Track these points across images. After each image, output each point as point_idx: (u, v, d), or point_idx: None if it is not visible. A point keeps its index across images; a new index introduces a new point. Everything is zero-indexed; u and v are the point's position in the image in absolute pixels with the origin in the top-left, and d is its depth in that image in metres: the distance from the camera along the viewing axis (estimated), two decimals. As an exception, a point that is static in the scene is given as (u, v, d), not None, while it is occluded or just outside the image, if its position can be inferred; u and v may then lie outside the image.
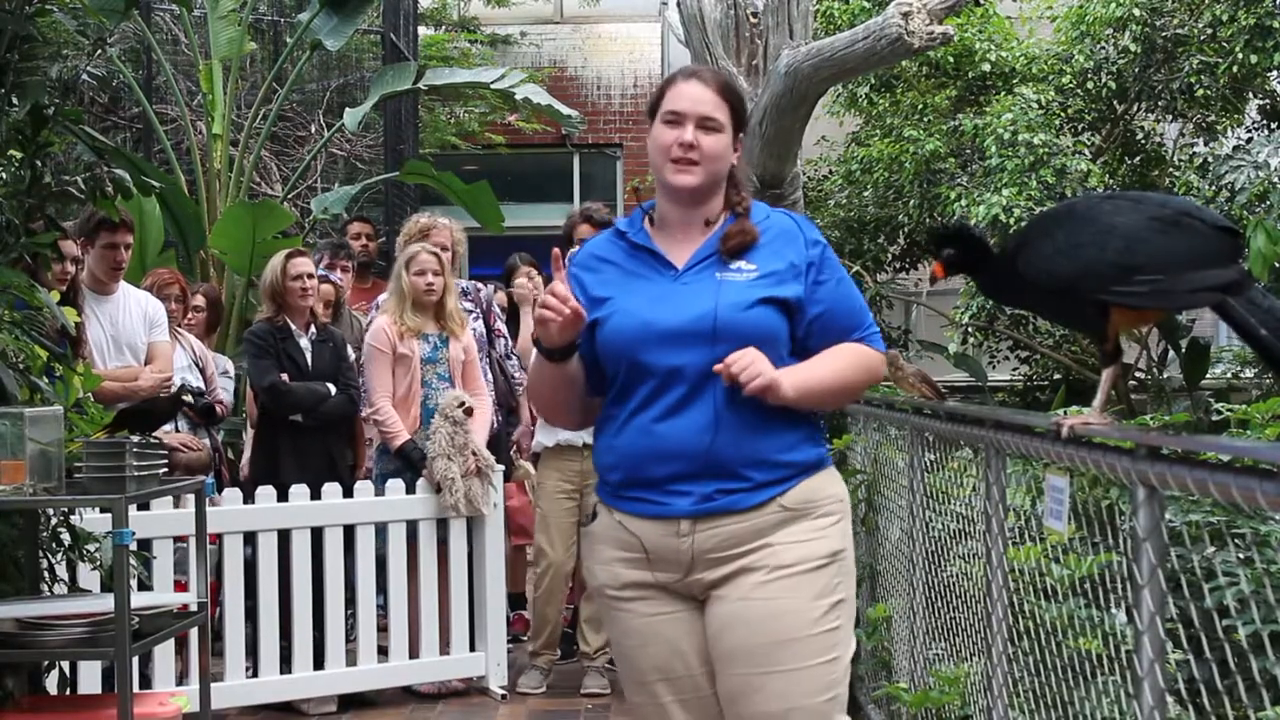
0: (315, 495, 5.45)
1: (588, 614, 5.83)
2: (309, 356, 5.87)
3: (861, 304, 2.87)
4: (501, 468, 5.98)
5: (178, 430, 5.85)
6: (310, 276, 5.91)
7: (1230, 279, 2.50)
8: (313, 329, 5.94)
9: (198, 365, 6.13)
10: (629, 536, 2.76)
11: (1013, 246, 2.76)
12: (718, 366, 2.64)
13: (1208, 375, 9.49)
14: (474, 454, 5.69)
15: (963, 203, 8.62)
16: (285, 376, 5.77)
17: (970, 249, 2.85)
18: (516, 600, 6.70)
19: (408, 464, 5.72)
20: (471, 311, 6.36)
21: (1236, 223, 7.51)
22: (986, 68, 9.56)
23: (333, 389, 5.86)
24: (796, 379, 2.69)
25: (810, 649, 2.66)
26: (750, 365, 2.63)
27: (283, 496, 5.40)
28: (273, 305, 5.86)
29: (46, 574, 3.82)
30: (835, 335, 2.79)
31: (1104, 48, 9.48)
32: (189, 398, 5.58)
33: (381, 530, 5.62)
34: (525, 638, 6.73)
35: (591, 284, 2.84)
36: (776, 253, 2.78)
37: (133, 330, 5.64)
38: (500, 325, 6.57)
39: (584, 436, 5.80)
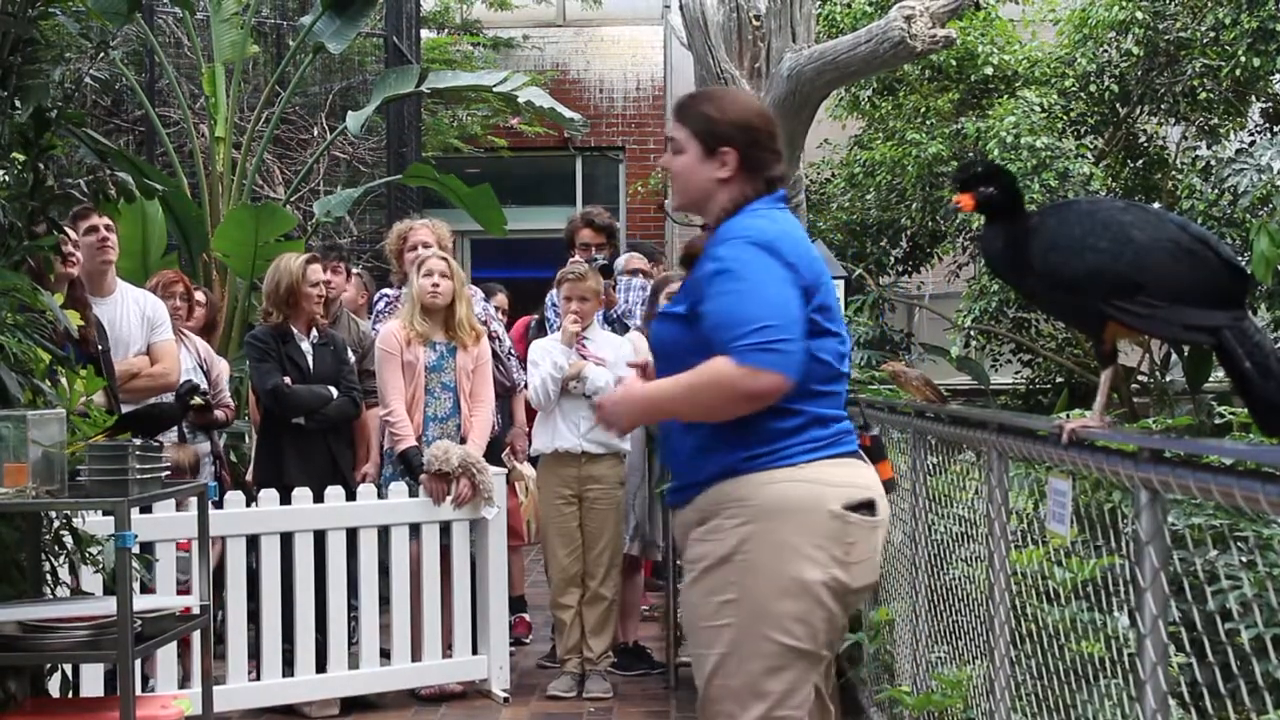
0: (318, 498, 5.45)
1: (592, 620, 5.83)
2: (310, 359, 5.87)
3: (744, 316, 2.75)
4: (504, 471, 5.98)
5: (182, 434, 5.85)
6: (327, 283, 5.96)
7: (1225, 323, 2.49)
8: (314, 332, 5.94)
9: (202, 368, 6.13)
10: None
11: (1031, 224, 2.73)
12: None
13: (1210, 378, 9.47)
14: (471, 472, 5.66)
15: (965, 205, 8.60)
16: (288, 380, 5.77)
17: (1009, 196, 2.79)
18: (516, 603, 6.70)
19: (408, 469, 5.72)
20: None
21: (1243, 229, 7.52)
22: (989, 71, 9.57)
23: (335, 392, 5.86)
24: (631, 406, 2.97)
25: (701, 639, 2.89)
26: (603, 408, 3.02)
27: (285, 499, 5.40)
28: (278, 308, 5.85)
29: (49, 577, 3.82)
30: (716, 348, 2.78)
31: (1106, 51, 9.48)
32: (198, 399, 5.57)
33: (384, 533, 5.62)
34: (527, 640, 6.74)
35: None
36: (699, 264, 2.93)
37: (130, 332, 5.62)
38: (497, 328, 6.57)
39: (582, 444, 5.81)
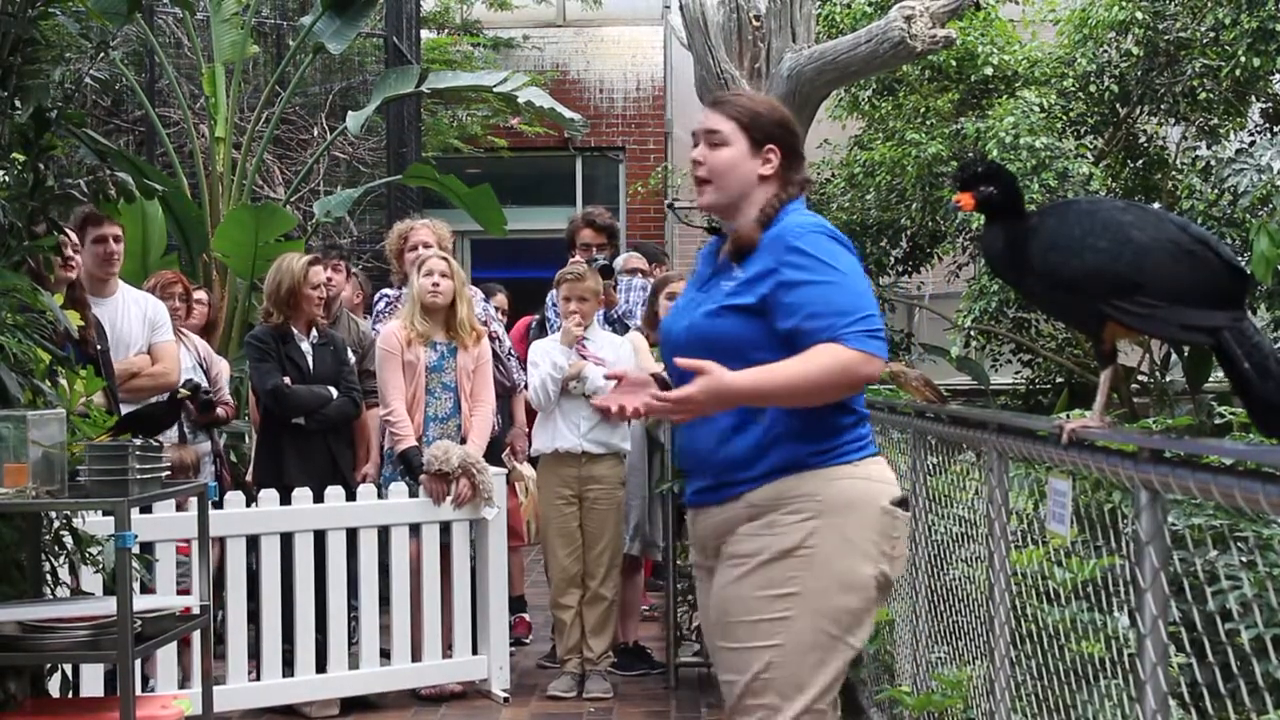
0: (318, 498, 5.45)
1: (592, 620, 5.83)
2: (310, 360, 5.88)
3: (847, 305, 2.82)
4: (504, 471, 5.98)
5: (183, 433, 5.86)
6: (328, 283, 5.97)
7: (1224, 324, 2.49)
8: (314, 332, 5.94)
9: (202, 367, 6.14)
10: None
11: (1031, 223, 2.73)
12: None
13: (1210, 378, 9.47)
14: (471, 472, 5.66)
15: (965, 206, 8.60)
16: (288, 380, 5.77)
17: (1008, 195, 2.80)
18: (516, 603, 6.70)
19: (408, 469, 5.72)
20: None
21: (1243, 229, 7.52)
22: (989, 71, 9.56)
23: (335, 392, 5.86)
24: (738, 382, 2.77)
25: (752, 632, 2.85)
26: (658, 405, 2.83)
27: (286, 500, 5.40)
28: (278, 309, 5.85)
29: (49, 577, 3.82)
30: (810, 338, 2.81)
31: (1106, 51, 9.48)
32: (184, 392, 5.57)
33: (384, 533, 5.62)
34: (527, 641, 6.74)
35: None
36: (759, 258, 2.88)
37: (131, 332, 5.64)
38: (497, 328, 6.57)
39: (582, 444, 5.81)
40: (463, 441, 5.79)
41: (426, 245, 6.14)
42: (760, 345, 2.84)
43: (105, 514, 3.88)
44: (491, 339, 6.41)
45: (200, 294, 6.74)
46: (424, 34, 12.14)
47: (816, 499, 2.86)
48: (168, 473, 3.81)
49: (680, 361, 2.82)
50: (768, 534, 2.86)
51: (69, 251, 4.82)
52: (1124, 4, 9.03)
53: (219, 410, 6.09)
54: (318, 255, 6.14)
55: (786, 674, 2.83)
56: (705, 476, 2.98)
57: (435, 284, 5.79)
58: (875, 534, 2.88)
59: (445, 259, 5.89)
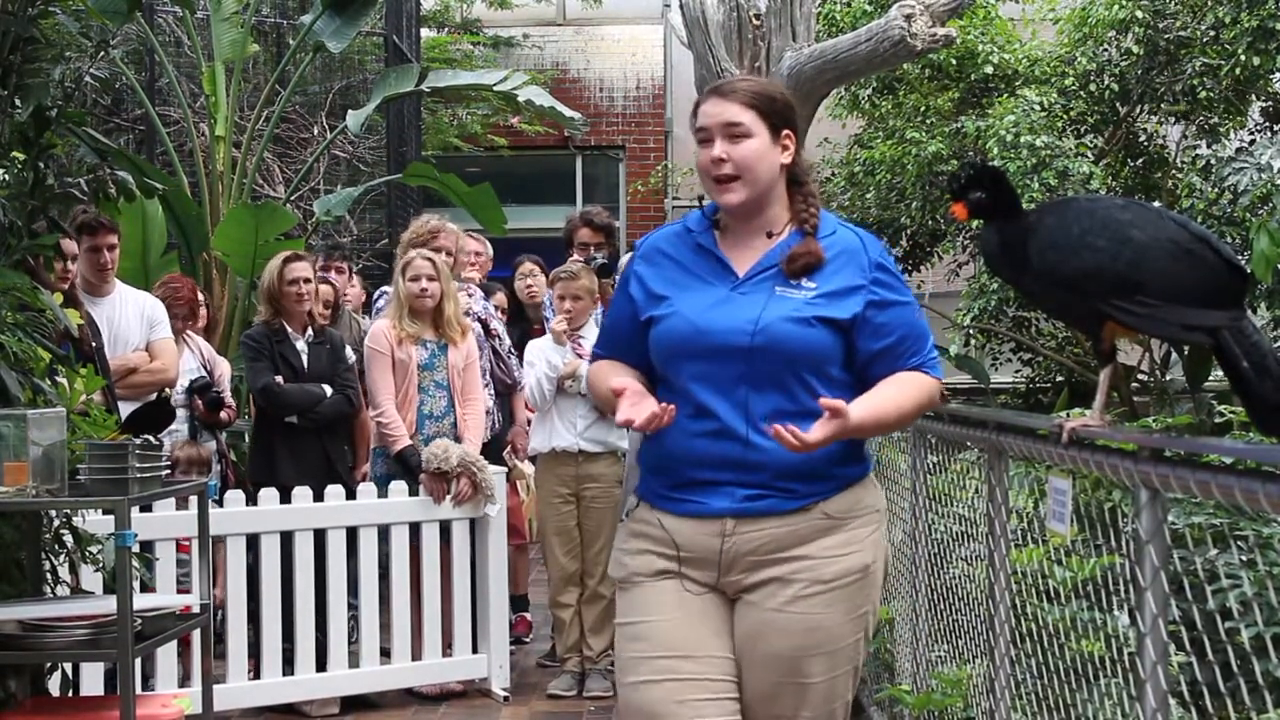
0: (318, 497, 5.45)
1: (591, 619, 5.83)
2: (305, 358, 5.88)
3: (924, 329, 2.80)
4: (504, 470, 5.98)
5: (194, 432, 5.88)
6: (307, 281, 5.90)
7: (1223, 324, 2.48)
8: (310, 331, 5.94)
9: (206, 368, 6.15)
10: (663, 533, 2.77)
11: (1029, 222, 2.72)
12: (782, 430, 2.54)
13: (1210, 377, 9.47)
14: (470, 470, 5.66)
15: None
16: (280, 378, 5.77)
17: (1000, 197, 2.77)
18: (518, 602, 6.70)
19: (405, 469, 5.72)
20: (468, 314, 6.33)
21: (1243, 228, 7.52)
22: (989, 70, 9.56)
23: (329, 390, 5.86)
24: (862, 417, 2.61)
25: (838, 661, 2.71)
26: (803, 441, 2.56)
27: (285, 498, 5.40)
28: (270, 308, 5.88)
29: (49, 576, 3.82)
30: (898, 361, 2.75)
31: (1106, 50, 9.48)
32: (168, 392, 5.60)
33: (384, 532, 5.62)
34: (527, 640, 6.74)
35: (651, 278, 2.83)
36: (837, 271, 2.74)
37: (129, 331, 5.66)
38: (498, 326, 6.56)
39: (580, 443, 5.81)
40: (458, 440, 5.79)
41: (449, 254, 6.15)
42: (836, 360, 2.73)
43: (105, 513, 3.88)
44: (493, 337, 6.41)
45: (200, 295, 6.74)
46: (424, 33, 12.15)
47: (877, 510, 2.80)
48: (168, 471, 3.81)
49: (827, 403, 2.56)
50: (849, 552, 2.71)
51: (67, 265, 4.83)
52: (1124, 3, 9.03)
53: (222, 414, 6.10)
54: (296, 252, 6.10)
55: (850, 693, 2.79)
56: (751, 479, 2.69)
57: (423, 289, 5.80)
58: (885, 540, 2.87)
59: (430, 259, 5.88)
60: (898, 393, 2.72)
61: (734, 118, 2.73)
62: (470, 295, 6.50)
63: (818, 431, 2.56)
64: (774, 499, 2.69)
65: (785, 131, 2.78)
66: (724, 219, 2.83)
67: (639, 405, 2.67)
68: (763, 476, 2.68)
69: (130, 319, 5.69)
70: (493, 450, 6.21)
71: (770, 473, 2.68)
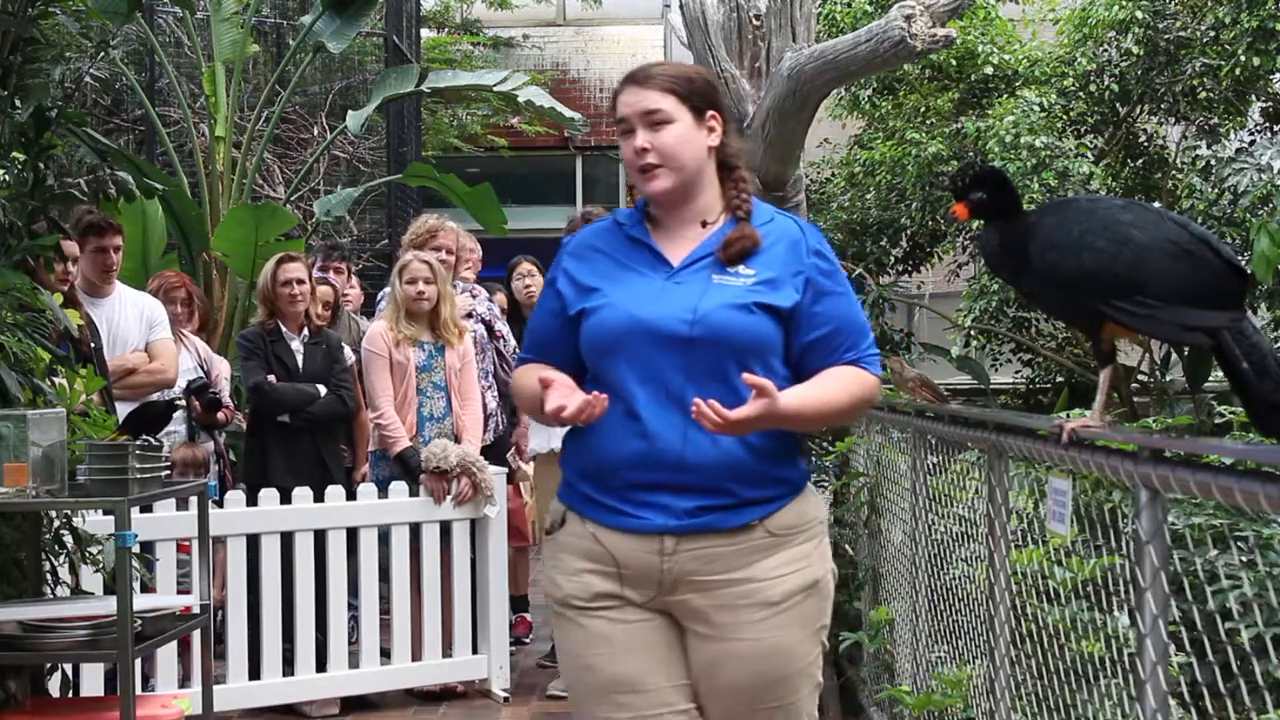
0: (318, 497, 5.45)
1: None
2: (300, 358, 5.88)
3: (863, 323, 2.69)
4: (504, 470, 5.98)
5: (192, 433, 5.88)
6: (301, 281, 5.88)
7: (1223, 325, 2.48)
8: (306, 331, 5.94)
9: (203, 368, 6.15)
10: (600, 549, 2.60)
11: (1030, 222, 2.72)
12: (701, 404, 2.43)
13: (1210, 378, 9.48)
14: (469, 470, 5.66)
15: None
16: (273, 378, 5.77)
17: (1001, 197, 2.76)
18: (518, 603, 6.70)
19: (405, 470, 5.72)
20: (470, 316, 6.33)
21: (1243, 228, 7.52)
22: (989, 70, 9.57)
23: (323, 390, 5.86)
24: (791, 404, 2.49)
25: (800, 680, 2.62)
26: (728, 422, 2.43)
27: (285, 499, 5.40)
28: (265, 308, 5.89)
29: (49, 576, 3.83)
30: (833, 355, 2.62)
31: (1106, 50, 9.48)
32: (169, 393, 5.60)
33: (384, 533, 5.62)
34: (527, 640, 6.74)
35: (580, 273, 2.70)
36: (776, 257, 2.63)
37: (128, 330, 5.65)
38: (502, 327, 6.57)
39: (580, 442, 5.81)
40: (457, 440, 5.79)
41: (449, 252, 6.16)
42: (779, 351, 2.61)
43: (105, 513, 3.89)
44: (497, 338, 6.42)
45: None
46: (424, 33, 12.16)
47: (820, 521, 2.68)
48: (168, 471, 3.81)
49: (750, 379, 2.43)
50: (798, 567, 2.59)
51: (69, 265, 4.83)
52: (1124, 3, 9.03)
53: (220, 414, 6.09)
54: (290, 253, 6.09)
55: (814, 709, 2.68)
56: (699, 493, 2.55)
57: (420, 292, 5.80)
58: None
59: (428, 262, 5.88)
60: (831, 386, 2.59)
61: (652, 105, 2.63)
62: (474, 296, 6.51)
63: (742, 410, 2.43)
64: (715, 514, 2.54)
65: (710, 113, 2.66)
66: (656, 211, 2.71)
67: (570, 396, 2.54)
68: (700, 478, 2.53)
69: (130, 320, 5.69)
70: (497, 451, 6.21)
71: (708, 473, 2.53)
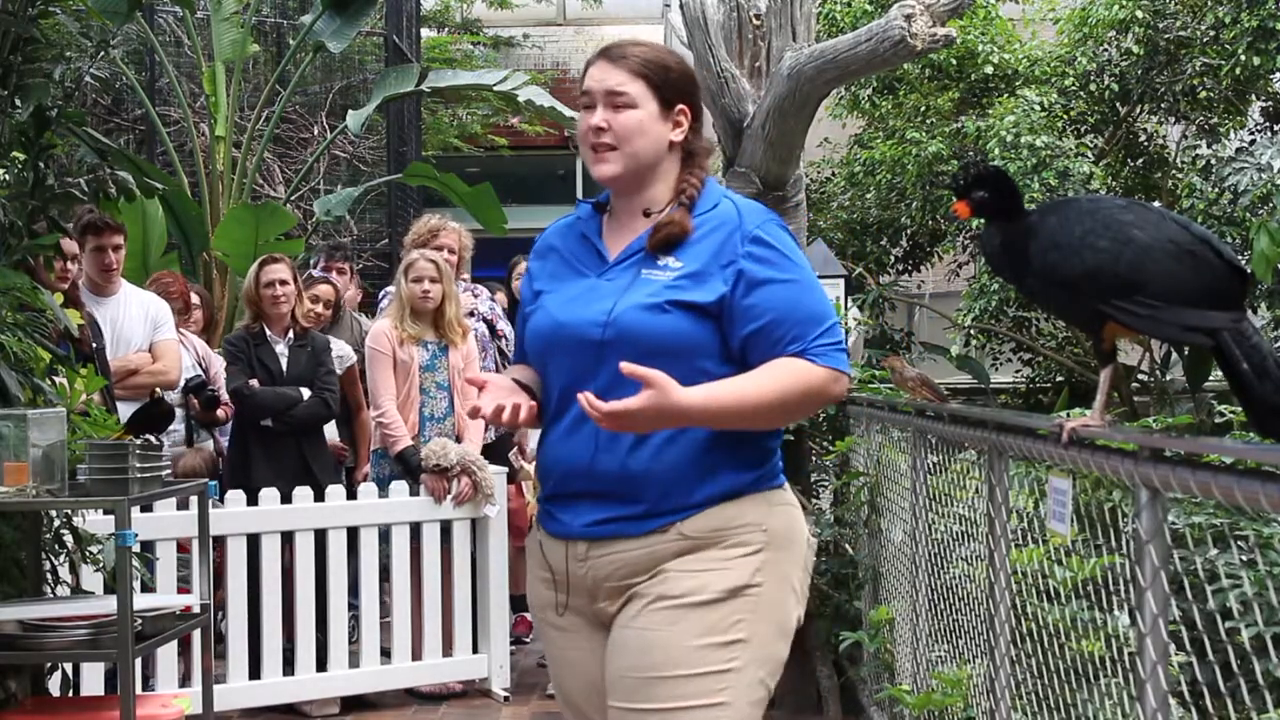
0: (319, 497, 5.45)
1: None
2: (284, 362, 5.86)
3: (815, 312, 2.44)
4: (505, 469, 5.98)
5: (190, 436, 5.88)
6: (284, 283, 5.85)
7: (1224, 325, 2.48)
8: (290, 334, 5.93)
9: (201, 365, 6.15)
10: (542, 555, 2.55)
11: (1030, 222, 2.72)
12: (582, 398, 2.30)
13: (1211, 377, 9.48)
14: (470, 469, 5.67)
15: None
16: (255, 382, 5.76)
17: (1003, 196, 2.73)
18: (518, 602, 6.70)
19: (406, 469, 5.72)
20: (472, 315, 6.34)
21: (1243, 228, 7.52)
22: (989, 70, 9.57)
23: (306, 393, 5.84)
24: (696, 400, 2.32)
25: (687, 689, 2.35)
26: (609, 415, 2.28)
27: (286, 499, 5.40)
28: (252, 311, 5.89)
29: (49, 576, 3.83)
30: (774, 348, 2.41)
31: (1106, 50, 9.49)
32: (164, 393, 5.59)
33: (385, 532, 5.62)
34: (528, 639, 6.74)
35: (538, 274, 2.61)
36: (706, 249, 2.44)
37: (133, 331, 5.66)
38: (504, 326, 6.57)
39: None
40: (458, 440, 5.79)
41: (451, 251, 6.17)
42: (708, 352, 2.42)
43: (105, 513, 3.89)
44: (499, 337, 6.42)
45: (194, 296, 6.73)
46: (424, 33, 12.16)
47: (762, 529, 2.43)
48: (168, 471, 3.81)
49: (627, 368, 2.27)
50: (710, 569, 2.39)
51: (67, 264, 4.83)
52: (1124, 3, 9.04)
53: (219, 411, 6.10)
54: (274, 255, 6.08)
55: None
56: (610, 501, 2.43)
57: (425, 291, 5.80)
58: (802, 571, 2.52)
59: (434, 261, 5.88)
60: (758, 380, 2.38)
61: (619, 86, 2.48)
62: (476, 295, 6.52)
63: (623, 402, 2.26)
64: (621, 523, 2.41)
65: (680, 107, 2.52)
66: (612, 202, 2.58)
67: (494, 396, 2.44)
68: (609, 486, 2.41)
69: (134, 319, 5.70)
70: (499, 451, 6.21)
71: (615, 481, 2.41)
